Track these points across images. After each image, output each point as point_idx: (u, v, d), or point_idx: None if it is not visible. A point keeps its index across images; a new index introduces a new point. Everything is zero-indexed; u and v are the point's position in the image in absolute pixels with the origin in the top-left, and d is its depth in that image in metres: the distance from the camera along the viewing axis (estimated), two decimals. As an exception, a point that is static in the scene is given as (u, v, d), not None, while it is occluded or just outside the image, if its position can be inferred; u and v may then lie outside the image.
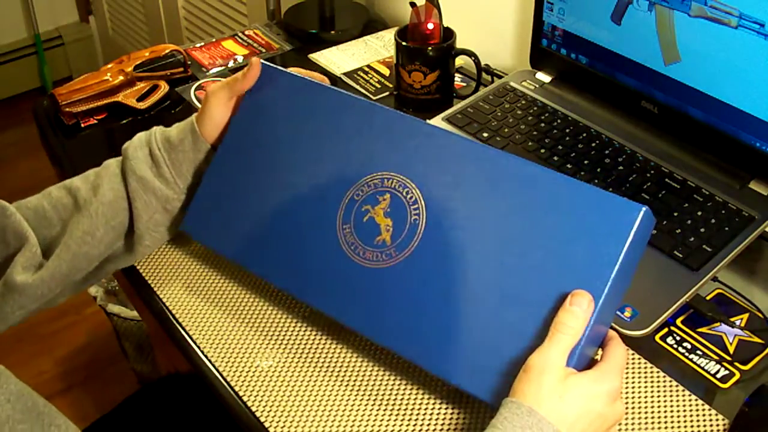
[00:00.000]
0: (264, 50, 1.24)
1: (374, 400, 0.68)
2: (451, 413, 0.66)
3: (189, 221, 0.78)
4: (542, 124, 0.93)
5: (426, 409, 0.67)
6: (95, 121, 1.06)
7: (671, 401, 0.67)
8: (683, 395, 0.67)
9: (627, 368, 0.69)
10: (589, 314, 0.58)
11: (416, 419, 0.66)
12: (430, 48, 1.00)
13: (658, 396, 0.67)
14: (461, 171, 0.66)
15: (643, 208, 0.58)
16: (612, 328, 0.68)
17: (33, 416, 0.53)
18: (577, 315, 0.57)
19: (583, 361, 0.60)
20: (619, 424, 0.65)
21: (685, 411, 0.66)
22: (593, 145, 0.88)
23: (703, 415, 0.66)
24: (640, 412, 0.66)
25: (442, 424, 0.66)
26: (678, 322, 0.74)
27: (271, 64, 0.80)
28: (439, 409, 0.67)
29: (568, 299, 0.58)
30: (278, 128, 0.77)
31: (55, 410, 0.56)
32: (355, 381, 0.69)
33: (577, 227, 0.60)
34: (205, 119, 0.78)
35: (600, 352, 0.70)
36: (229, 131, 0.79)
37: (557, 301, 0.59)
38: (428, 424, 0.66)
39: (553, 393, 0.56)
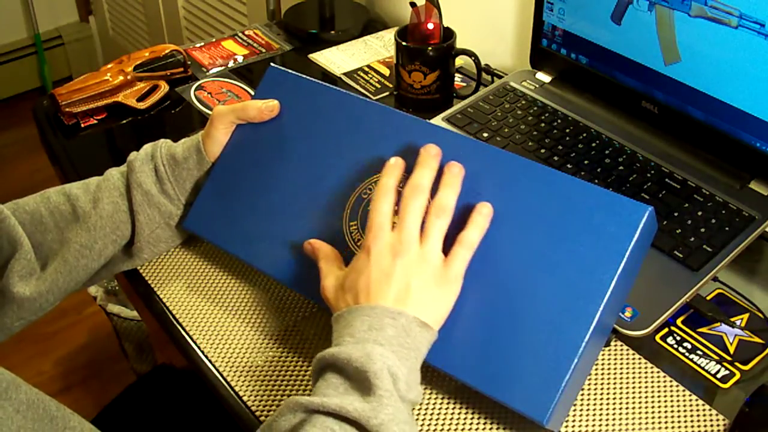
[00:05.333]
0: (264, 50, 1.24)
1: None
2: (453, 410, 0.66)
3: (193, 216, 0.78)
4: (542, 124, 0.93)
5: (428, 405, 0.67)
6: (95, 121, 1.06)
7: (671, 401, 0.67)
8: (683, 395, 0.67)
9: (627, 368, 0.70)
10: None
11: (418, 416, 0.66)
12: (430, 48, 1.00)
13: (658, 396, 0.67)
14: (469, 170, 0.66)
15: (649, 209, 0.59)
16: (613, 328, 0.68)
17: (46, 423, 0.53)
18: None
19: (586, 364, 0.60)
20: (620, 424, 0.65)
21: (685, 411, 0.66)
22: (593, 145, 0.88)
23: (703, 415, 0.66)
24: (640, 412, 0.66)
25: (444, 421, 0.66)
26: (678, 322, 0.74)
27: (279, 67, 0.81)
28: (441, 405, 0.67)
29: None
30: (285, 127, 0.77)
31: (69, 412, 0.56)
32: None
33: (583, 226, 0.60)
34: (208, 140, 0.78)
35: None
36: (237, 130, 0.79)
37: (561, 298, 0.59)
38: (429, 421, 0.66)
39: (338, 286, 0.63)
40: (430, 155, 0.65)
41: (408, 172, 0.68)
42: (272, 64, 0.82)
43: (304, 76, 0.79)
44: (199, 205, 0.78)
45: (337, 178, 0.72)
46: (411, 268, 0.60)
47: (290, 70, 0.80)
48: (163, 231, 0.78)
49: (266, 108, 0.77)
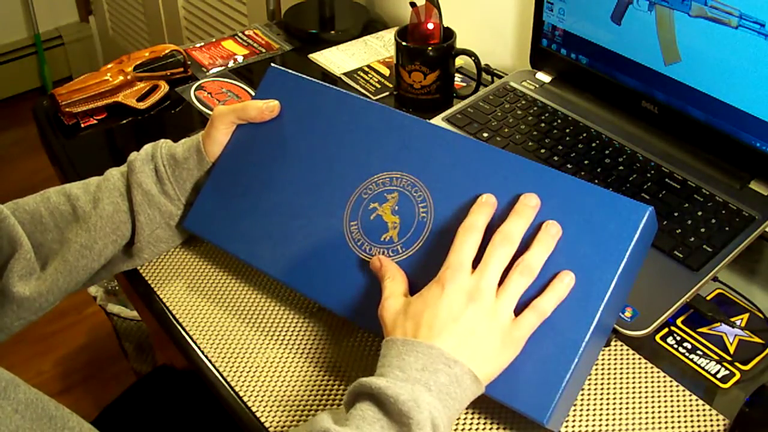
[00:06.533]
0: (264, 50, 1.24)
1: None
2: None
3: (193, 216, 0.78)
4: (542, 124, 0.93)
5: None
6: (95, 121, 1.06)
7: (671, 401, 0.67)
8: (683, 395, 0.67)
9: (627, 368, 0.70)
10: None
11: (416, 419, 0.66)
12: (430, 48, 1.00)
13: (658, 396, 0.67)
14: (469, 170, 0.66)
15: (649, 209, 0.59)
16: (613, 328, 0.68)
17: (44, 422, 0.53)
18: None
19: (586, 364, 0.60)
20: (620, 424, 0.65)
21: (685, 411, 0.66)
22: (593, 145, 0.88)
23: (703, 415, 0.66)
24: (640, 412, 0.66)
25: (443, 424, 0.65)
26: (678, 322, 0.74)
27: (280, 67, 0.81)
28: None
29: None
30: (286, 127, 0.77)
31: (68, 411, 0.56)
32: (354, 378, 0.69)
33: (583, 226, 0.60)
34: (209, 140, 0.78)
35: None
36: (237, 130, 0.79)
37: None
38: (428, 424, 0.66)
39: (400, 310, 0.60)
40: (528, 206, 0.61)
41: (411, 171, 0.68)
42: (272, 64, 0.82)
43: (305, 76, 0.79)
44: (199, 205, 0.78)
45: (338, 178, 0.72)
46: (480, 318, 0.58)
47: (290, 70, 0.80)
48: (164, 231, 0.78)
49: (267, 108, 0.77)
